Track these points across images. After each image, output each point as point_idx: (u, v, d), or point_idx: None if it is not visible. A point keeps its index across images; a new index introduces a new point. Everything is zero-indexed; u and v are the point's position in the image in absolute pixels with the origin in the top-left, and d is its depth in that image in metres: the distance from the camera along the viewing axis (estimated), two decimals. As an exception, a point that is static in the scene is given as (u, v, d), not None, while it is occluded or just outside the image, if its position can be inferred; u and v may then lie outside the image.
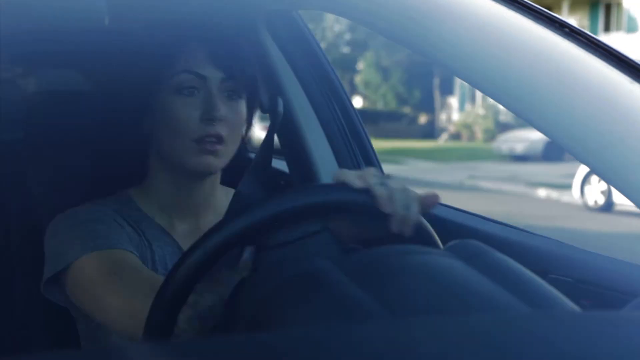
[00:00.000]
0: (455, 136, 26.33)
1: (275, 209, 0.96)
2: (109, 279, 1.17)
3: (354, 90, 31.33)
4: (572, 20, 22.01)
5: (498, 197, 11.61)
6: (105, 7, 1.48)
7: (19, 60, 1.60)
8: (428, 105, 28.92)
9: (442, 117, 29.27)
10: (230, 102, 1.28)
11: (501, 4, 1.36)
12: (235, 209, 1.35)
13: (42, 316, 1.45)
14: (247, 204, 0.99)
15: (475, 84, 1.39)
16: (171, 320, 0.95)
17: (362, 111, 28.40)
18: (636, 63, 1.23)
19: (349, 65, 30.69)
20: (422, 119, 30.22)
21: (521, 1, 1.35)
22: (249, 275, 0.96)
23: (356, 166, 1.97)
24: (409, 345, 0.65)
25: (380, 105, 30.83)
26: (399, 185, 0.99)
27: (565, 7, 23.69)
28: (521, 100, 1.24)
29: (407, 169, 15.64)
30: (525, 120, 1.24)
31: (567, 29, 1.30)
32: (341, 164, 1.96)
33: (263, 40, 1.94)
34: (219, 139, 1.25)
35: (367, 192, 0.97)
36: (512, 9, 1.34)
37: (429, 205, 1.02)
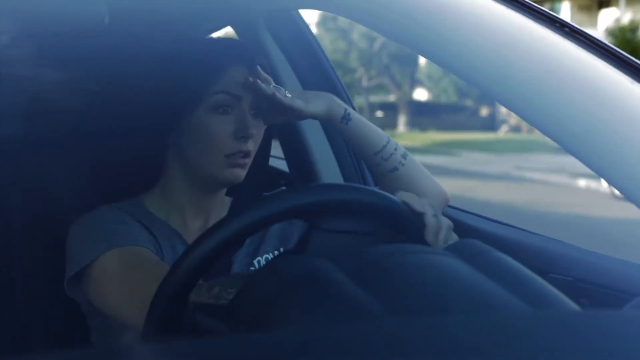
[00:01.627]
0: (516, 128, 26.20)
1: (278, 207, 0.98)
2: (130, 274, 1.22)
3: (416, 84, 31.19)
4: (629, 14, 21.75)
5: (535, 186, 11.77)
6: (106, 7, 1.48)
7: (19, 59, 1.60)
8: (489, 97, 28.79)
9: (503, 109, 29.20)
10: (256, 120, 1.36)
11: (502, 4, 1.36)
12: (235, 210, 1.38)
13: (42, 316, 1.45)
14: (245, 205, 1.00)
15: (476, 84, 1.39)
16: (174, 314, 0.96)
17: (424, 104, 28.16)
18: (636, 63, 1.23)
19: (409, 59, 30.54)
20: (483, 111, 30.16)
21: (522, 1, 1.35)
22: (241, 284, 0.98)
23: (356, 165, 1.96)
24: (409, 345, 0.65)
25: (442, 98, 30.72)
26: (447, 223, 1.11)
27: (622, 0, 23.37)
28: (521, 100, 1.24)
29: (458, 160, 15.83)
30: (525, 119, 1.24)
31: (567, 29, 1.30)
32: (341, 163, 1.96)
33: (263, 40, 1.95)
34: (247, 154, 1.34)
35: (420, 217, 1.10)
36: (513, 9, 1.35)
37: None
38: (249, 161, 1.35)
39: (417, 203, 1.11)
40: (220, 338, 0.76)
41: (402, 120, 26.34)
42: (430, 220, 1.09)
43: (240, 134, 1.33)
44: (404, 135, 24.17)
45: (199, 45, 1.41)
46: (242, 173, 1.35)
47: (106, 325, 1.32)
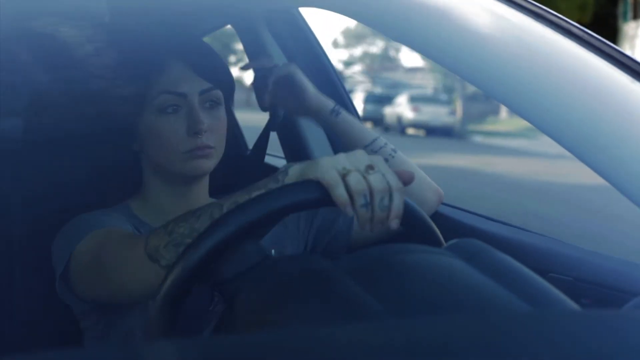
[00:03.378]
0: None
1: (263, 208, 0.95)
2: (101, 250, 1.21)
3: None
4: None
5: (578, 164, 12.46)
6: (106, 6, 1.48)
7: (18, 59, 1.60)
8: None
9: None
10: (212, 110, 1.35)
11: (502, 3, 1.36)
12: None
13: (42, 316, 1.45)
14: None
15: (475, 82, 1.39)
16: (172, 315, 0.97)
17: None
18: (637, 62, 1.23)
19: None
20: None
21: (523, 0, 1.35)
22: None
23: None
24: (408, 345, 0.65)
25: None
26: (380, 181, 0.94)
27: None
28: (522, 99, 1.24)
29: (531, 143, 16.56)
30: (525, 118, 1.24)
31: (568, 28, 1.30)
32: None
33: (264, 38, 1.95)
34: (209, 147, 1.32)
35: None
36: (514, 8, 1.34)
37: (407, 182, 0.99)
38: (212, 151, 1.33)
39: (338, 185, 0.93)
40: (220, 338, 0.76)
41: (504, 107, 26.66)
42: (359, 210, 0.93)
43: (193, 130, 1.30)
44: (504, 122, 25.02)
45: (137, 47, 1.39)
46: (207, 163, 1.33)
47: (98, 326, 1.32)
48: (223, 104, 1.37)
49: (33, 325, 1.47)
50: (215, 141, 1.33)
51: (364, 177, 0.95)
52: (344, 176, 0.95)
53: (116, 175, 1.46)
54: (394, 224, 0.96)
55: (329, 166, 0.96)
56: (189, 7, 1.67)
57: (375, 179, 0.95)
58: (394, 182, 0.95)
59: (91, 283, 1.25)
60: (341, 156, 0.98)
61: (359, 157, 0.97)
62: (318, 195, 0.95)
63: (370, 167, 0.96)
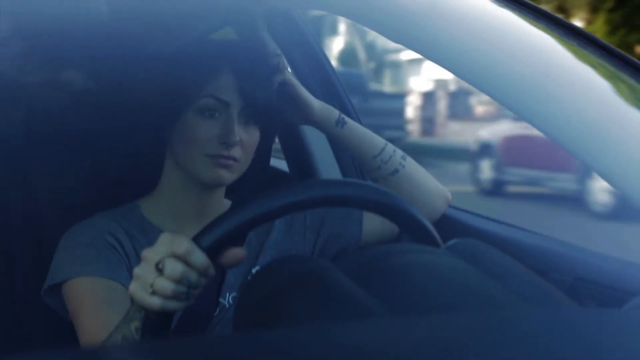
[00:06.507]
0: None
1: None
2: (90, 306, 1.26)
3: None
4: None
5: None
6: (106, 6, 1.48)
7: (24, 59, 1.60)
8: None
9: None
10: (248, 127, 1.34)
11: (499, 5, 1.36)
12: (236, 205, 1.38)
13: (42, 316, 1.45)
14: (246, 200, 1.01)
15: (474, 83, 1.40)
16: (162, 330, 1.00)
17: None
18: (637, 62, 1.23)
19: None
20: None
21: (521, 0, 1.35)
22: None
23: (356, 165, 1.96)
24: (409, 344, 0.65)
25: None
26: (174, 268, 0.99)
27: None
28: (522, 99, 1.24)
29: None
30: (525, 120, 1.24)
31: (568, 28, 1.30)
32: (341, 162, 1.96)
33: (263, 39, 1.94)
34: (234, 160, 1.32)
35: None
36: (511, 9, 1.35)
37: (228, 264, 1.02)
38: (235, 164, 1.32)
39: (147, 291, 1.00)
40: (220, 338, 0.76)
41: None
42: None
43: (223, 139, 1.30)
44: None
45: (194, 47, 1.40)
46: (227, 174, 1.32)
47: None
48: (260, 125, 1.36)
49: (33, 325, 1.47)
50: (241, 156, 1.33)
51: (163, 277, 1.00)
52: (155, 289, 1.00)
53: (126, 174, 1.45)
54: (210, 272, 1.00)
55: (140, 291, 1.01)
56: (188, 9, 1.67)
57: (170, 271, 0.99)
58: (181, 250, 0.99)
59: (72, 318, 1.29)
60: (136, 272, 1.03)
61: (149, 261, 1.02)
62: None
63: (160, 265, 1.00)
